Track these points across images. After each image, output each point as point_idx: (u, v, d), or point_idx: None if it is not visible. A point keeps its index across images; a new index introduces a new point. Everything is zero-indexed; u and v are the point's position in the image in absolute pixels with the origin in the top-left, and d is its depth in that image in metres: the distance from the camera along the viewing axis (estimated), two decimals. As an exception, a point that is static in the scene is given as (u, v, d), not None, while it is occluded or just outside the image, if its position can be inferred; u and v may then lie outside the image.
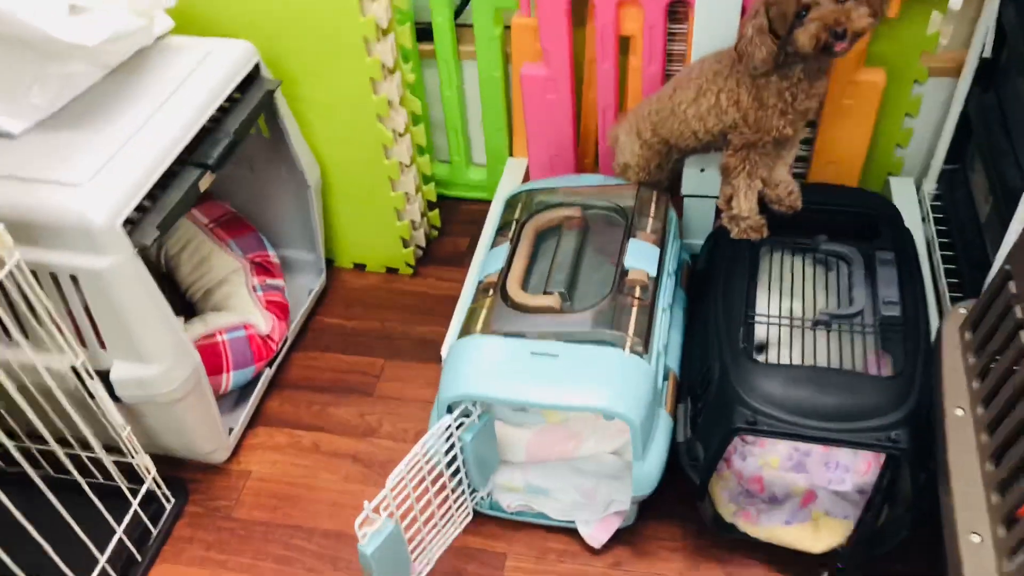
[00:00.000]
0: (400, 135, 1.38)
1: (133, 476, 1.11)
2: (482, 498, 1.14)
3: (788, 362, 1.09)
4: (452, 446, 1.03)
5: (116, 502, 1.08)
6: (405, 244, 1.50)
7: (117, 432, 1.03)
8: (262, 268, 1.36)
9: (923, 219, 1.39)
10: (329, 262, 1.54)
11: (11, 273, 0.88)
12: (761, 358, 1.11)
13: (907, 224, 1.21)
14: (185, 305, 1.36)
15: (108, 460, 1.07)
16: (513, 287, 1.11)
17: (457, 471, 1.06)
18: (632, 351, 1.02)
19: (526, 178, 1.49)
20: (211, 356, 1.20)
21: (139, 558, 1.13)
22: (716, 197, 1.20)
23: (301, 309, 1.43)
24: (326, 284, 1.52)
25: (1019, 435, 0.83)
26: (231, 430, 1.25)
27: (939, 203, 1.42)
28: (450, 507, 1.09)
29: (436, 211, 1.58)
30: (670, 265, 1.18)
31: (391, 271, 1.55)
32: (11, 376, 0.94)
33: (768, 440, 1.09)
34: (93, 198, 0.95)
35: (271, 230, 1.44)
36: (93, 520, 1.04)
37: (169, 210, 1.02)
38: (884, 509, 1.03)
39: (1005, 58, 1.23)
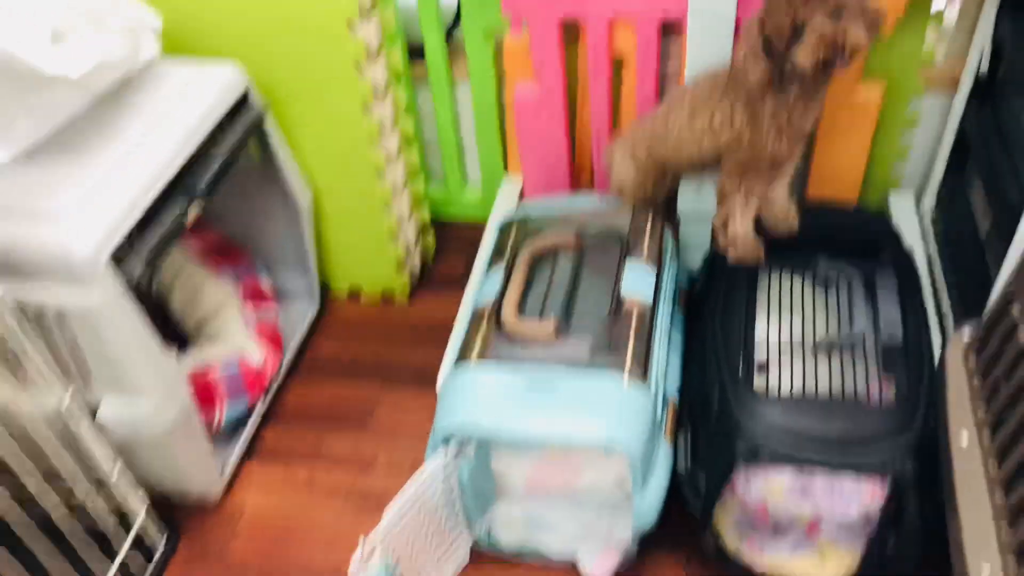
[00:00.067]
0: (393, 157, 1.36)
1: (123, 516, 1.09)
2: (480, 533, 1.12)
3: (789, 387, 1.08)
4: (448, 480, 1.00)
5: (105, 544, 1.06)
6: (400, 268, 1.48)
7: (105, 472, 1.01)
8: (255, 297, 1.34)
9: (923, 235, 1.38)
10: (324, 287, 1.53)
11: (-6, 310, 0.86)
12: (761, 380, 1.09)
13: (907, 240, 1.19)
14: (177, 335, 1.34)
15: (96, 500, 1.04)
16: (508, 314, 1.10)
17: (454, 506, 1.04)
18: (630, 379, 1.00)
19: (522, 197, 1.48)
20: (203, 390, 1.18)
21: (131, 602, 1.11)
22: (713, 215, 1.18)
23: (295, 337, 1.41)
24: (321, 310, 1.50)
25: (1029, 463, 0.82)
26: (224, 466, 1.23)
27: (939, 218, 1.41)
28: (447, 543, 1.07)
29: (432, 233, 1.56)
30: (667, 288, 1.17)
31: (387, 296, 1.53)
32: (-4, 415, 0.93)
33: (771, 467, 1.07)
34: (78, 231, 0.93)
35: (264, 256, 1.43)
36: (82, 564, 1.01)
37: (157, 242, 1.00)
38: (891, 539, 1.01)
39: (1002, 74, 1.22)
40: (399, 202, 1.41)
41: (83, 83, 1.04)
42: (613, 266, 1.15)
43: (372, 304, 1.53)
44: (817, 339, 1.12)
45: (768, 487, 1.07)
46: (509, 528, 1.13)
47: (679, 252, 1.30)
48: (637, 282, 1.11)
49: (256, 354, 1.26)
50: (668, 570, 1.11)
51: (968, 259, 1.28)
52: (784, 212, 1.14)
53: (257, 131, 1.21)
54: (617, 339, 1.04)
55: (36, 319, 0.97)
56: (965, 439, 0.92)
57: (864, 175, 1.32)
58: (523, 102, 1.32)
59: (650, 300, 1.10)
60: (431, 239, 1.57)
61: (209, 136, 1.11)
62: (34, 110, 1.03)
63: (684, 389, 1.14)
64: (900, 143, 1.32)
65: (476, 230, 1.47)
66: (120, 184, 0.99)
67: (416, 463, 1.23)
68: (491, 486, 1.08)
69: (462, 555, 1.11)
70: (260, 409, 1.31)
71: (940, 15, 1.18)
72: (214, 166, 1.09)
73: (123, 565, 1.08)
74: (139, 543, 1.12)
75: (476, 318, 1.11)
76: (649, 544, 1.11)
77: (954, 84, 1.31)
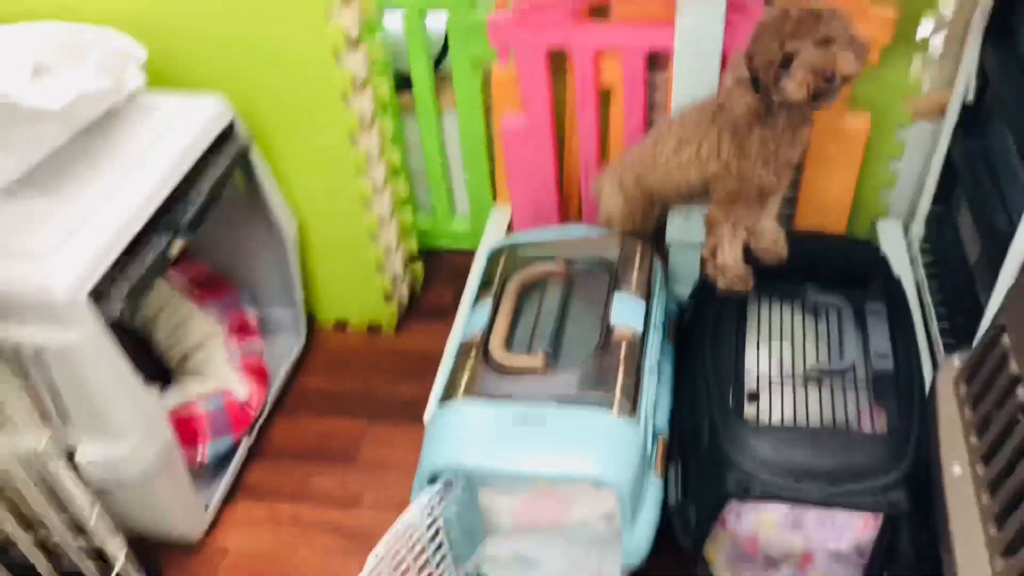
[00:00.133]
0: (380, 188, 1.36)
1: (103, 557, 1.06)
2: (470, 572, 1.10)
3: (779, 418, 1.07)
4: (435, 520, 0.99)
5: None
6: (387, 299, 1.47)
7: (84, 516, 0.99)
8: (241, 330, 1.33)
9: (911, 262, 1.38)
10: (311, 319, 1.51)
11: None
12: (752, 410, 1.08)
13: (896, 267, 1.19)
14: (161, 370, 1.32)
15: (74, 543, 1.02)
16: (496, 347, 1.08)
17: (441, 545, 1.02)
18: (620, 413, 0.99)
19: (510, 227, 1.47)
20: (187, 427, 1.16)
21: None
22: (701, 244, 1.18)
23: (281, 371, 1.40)
24: (307, 343, 1.48)
25: (1023, 497, 0.81)
26: (207, 506, 1.21)
27: (927, 245, 1.41)
28: (435, 582, 1.05)
29: (419, 264, 1.55)
30: (657, 318, 1.16)
31: (374, 327, 1.52)
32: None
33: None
34: (56, 269, 0.92)
35: (250, 287, 1.41)
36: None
37: (139, 278, 0.98)
38: (885, 571, 1.00)
39: (988, 102, 1.23)
40: (386, 233, 1.40)
41: (65, 116, 1.04)
42: (602, 297, 1.14)
43: (359, 335, 1.51)
44: (808, 368, 1.11)
45: (759, 520, 1.06)
46: (498, 566, 1.11)
47: (668, 281, 1.29)
48: (626, 313, 1.10)
49: (241, 389, 1.25)
50: (659, 606, 1.09)
51: (957, 286, 1.28)
52: (773, 241, 1.14)
53: (242, 163, 1.20)
54: (606, 372, 1.03)
55: (13, 358, 0.96)
56: (957, 470, 0.91)
57: (852, 203, 1.32)
58: (511, 132, 1.31)
59: (639, 332, 1.09)
60: (419, 269, 1.56)
61: (193, 169, 1.11)
62: (15, 145, 1.02)
63: (674, 421, 1.13)
64: (887, 171, 1.32)
65: (465, 259, 1.46)
66: (101, 219, 0.98)
67: (404, 499, 1.21)
68: (479, 523, 1.06)
69: (451, 595, 1.09)
70: (245, 446, 1.29)
71: (926, 43, 1.18)
72: (198, 200, 1.08)
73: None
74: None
75: (463, 351, 1.10)
76: (640, 579, 1.10)
77: (941, 112, 1.32)
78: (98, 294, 0.95)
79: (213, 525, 1.22)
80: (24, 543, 0.97)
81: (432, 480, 0.99)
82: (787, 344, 1.15)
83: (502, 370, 1.05)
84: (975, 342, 1.05)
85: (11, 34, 1.00)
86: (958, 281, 1.28)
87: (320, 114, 1.24)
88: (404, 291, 1.52)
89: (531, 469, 0.97)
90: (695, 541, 1.02)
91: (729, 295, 1.13)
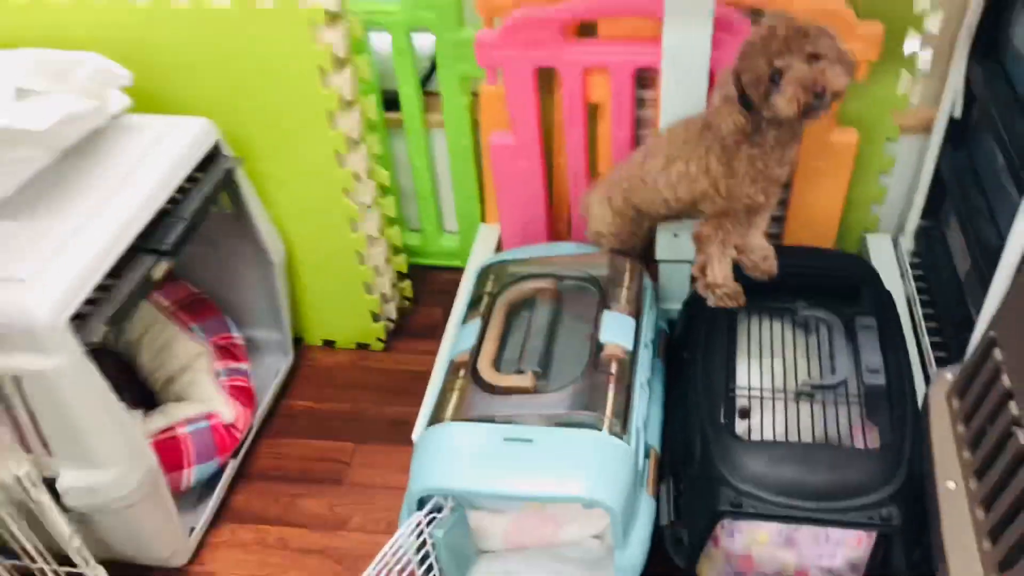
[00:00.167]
0: (368, 207, 1.35)
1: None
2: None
3: (771, 435, 1.06)
4: (424, 543, 0.97)
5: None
6: (376, 318, 1.46)
7: (66, 543, 0.97)
8: (226, 352, 1.31)
9: (902, 276, 1.38)
10: (298, 340, 1.50)
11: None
12: (743, 426, 1.07)
13: (886, 281, 1.19)
14: (146, 394, 1.30)
15: (55, 571, 1.00)
16: (485, 367, 1.07)
17: (431, 568, 1.00)
18: (610, 432, 0.98)
19: (499, 245, 1.46)
20: (171, 451, 1.15)
21: None
22: (691, 261, 1.17)
23: (268, 392, 1.38)
24: (294, 363, 1.47)
25: (1017, 512, 0.80)
26: (192, 529, 1.19)
27: (917, 259, 1.41)
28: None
29: (408, 282, 1.54)
30: (647, 336, 1.15)
31: (362, 347, 1.51)
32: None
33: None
34: (36, 294, 0.90)
35: (236, 309, 1.40)
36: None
37: (121, 302, 0.97)
38: (880, 590, 0.99)
39: (975, 117, 1.23)
40: (374, 252, 1.39)
41: (48, 138, 1.03)
42: (591, 315, 1.13)
43: (347, 355, 1.50)
44: (799, 384, 1.11)
45: (753, 537, 1.05)
46: (489, 588, 1.09)
47: (658, 298, 1.28)
48: (616, 331, 1.09)
49: (227, 412, 1.23)
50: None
51: (948, 299, 1.28)
52: (763, 257, 1.13)
53: (228, 184, 1.19)
54: (596, 391, 1.02)
55: (-7, 385, 0.94)
56: (951, 485, 0.90)
57: (841, 218, 1.32)
58: (499, 150, 1.31)
59: (630, 349, 1.08)
60: (408, 288, 1.55)
61: (178, 192, 1.10)
62: (-1, 167, 1.01)
63: (666, 438, 1.12)
64: (877, 186, 1.32)
65: (455, 276, 1.45)
66: (83, 242, 0.97)
67: (393, 521, 1.20)
68: (469, 544, 1.05)
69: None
70: (231, 468, 1.27)
71: (913, 59, 1.19)
72: (182, 223, 1.07)
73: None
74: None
75: (452, 371, 1.09)
76: (633, 601, 1.08)
77: (928, 127, 1.32)
78: (79, 319, 0.93)
79: (199, 549, 1.21)
80: (5, 569, 0.95)
81: (421, 504, 0.98)
82: (778, 360, 1.14)
83: (491, 390, 1.04)
84: (966, 356, 1.05)
85: (-6, 57, 0.99)
86: (948, 295, 1.28)
87: (306, 134, 1.24)
88: (393, 310, 1.51)
89: (522, 491, 0.96)
90: (688, 559, 1.01)
91: (719, 310, 1.13)
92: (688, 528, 1.01)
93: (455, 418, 1.01)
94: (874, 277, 1.18)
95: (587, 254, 1.23)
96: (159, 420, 1.17)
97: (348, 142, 1.26)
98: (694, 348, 1.12)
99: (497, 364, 1.09)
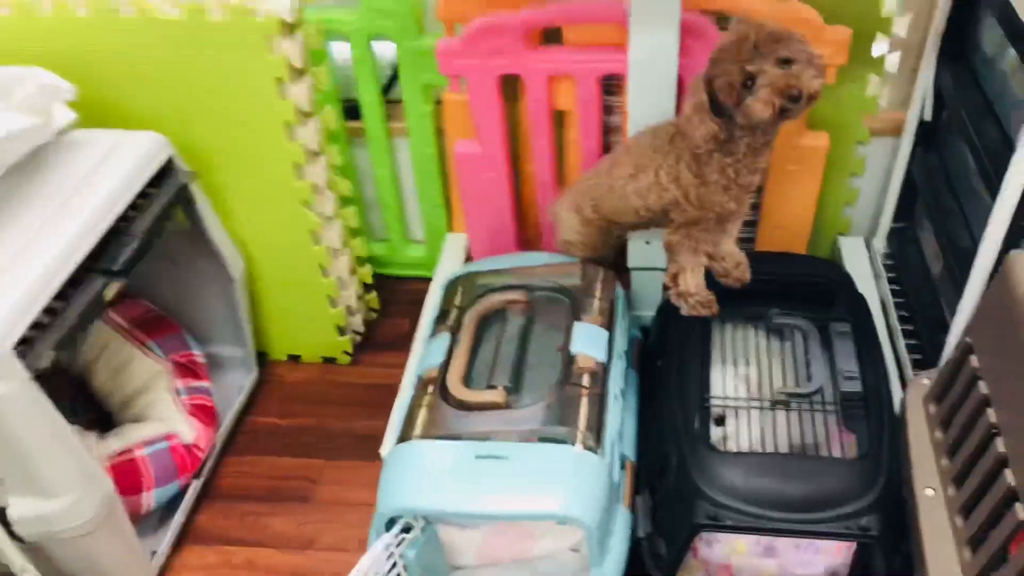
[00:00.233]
0: (329, 219, 1.32)
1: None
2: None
3: (748, 444, 1.05)
4: (394, 565, 0.94)
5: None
6: (341, 332, 1.43)
7: (16, 573, 0.93)
8: (186, 370, 1.27)
9: (875, 277, 1.37)
10: (262, 355, 1.46)
11: None
12: (719, 434, 1.06)
13: (859, 283, 1.18)
14: (102, 415, 1.26)
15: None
16: (454, 383, 1.05)
17: (402, 592, 0.98)
18: (584, 447, 0.96)
19: (467, 254, 1.44)
20: (129, 475, 1.11)
21: None
22: (663, 269, 1.16)
23: (231, 410, 1.35)
24: (259, 380, 1.43)
25: (996, 520, 0.79)
26: (154, 553, 1.15)
27: (891, 261, 1.41)
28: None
29: (374, 293, 1.51)
30: (620, 346, 1.13)
31: (328, 361, 1.47)
32: None
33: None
34: (-24, 321, 0.86)
35: (196, 326, 1.36)
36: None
37: (70, 326, 0.93)
38: (860, 599, 0.98)
39: (945, 119, 1.23)
40: (338, 264, 1.36)
41: (-13, 157, 0.99)
42: (563, 326, 1.11)
43: (313, 369, 1.47)
44: (774, 391, 1.09)
45: (732, 547, 1.04)
46: (462, 609, 1.07)
47: (630, 307, 1.26)
48: (588, 343, 1.07)
49: (188, 432, 1.19)
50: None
51: (922, 301, 1.28)
52: (735, 265, 1.12)
53: (183, 199, 1.15)
54: (569, 405, 1.00)
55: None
56: (929, 492, 0.90)
57: (814, 221, 1.31)
58: (465, 160, 1.28)
59: (602, 361, 1.06)
60: (374, 299, 1.52)
61: (130, 208, 1.06)
62: (-64, 185, 0.96)
63: (642, 448, 1.10)
64: (849, 188, 1.32)
65: (422, 286, 1.43)
66: (27, 265, 0.93)
67: (363, 539, 1.17)
68: (441, 562, 1.02)
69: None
70: (194, 489, 1.24)
71: (882, 61, 1.18)
72: (134, 242, 1.03)
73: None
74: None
75: (421, 387, 1.06)
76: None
77: (899, 130, 1.31)
78: (25, 344, 0.89)
79: (162, 573, 1.17)
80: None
81: (390, 524, 0.95)
82: (753, 368, 1.13)
83: (461, 406, 1.01)
84: (941, 360, 1.04)
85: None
86: (923, 296, 1.28)
87: (264, 146, 1.20)
88: (359, 322, 1.48)
89: (494, 510, 0.93)
90: (666, 571, 0.99)
91: (692, 318, 1.11)
92: (666, 540, 0.99)
93: (424, 435, 0.99)
94: (848, 282, 1.17)
95: (557, 264, 1.21)
96: (115, 443, 1.13)
97: (307, 153, 1.22)
98: (668, 356, 1.11)
99: (467, 379, 1.06)
